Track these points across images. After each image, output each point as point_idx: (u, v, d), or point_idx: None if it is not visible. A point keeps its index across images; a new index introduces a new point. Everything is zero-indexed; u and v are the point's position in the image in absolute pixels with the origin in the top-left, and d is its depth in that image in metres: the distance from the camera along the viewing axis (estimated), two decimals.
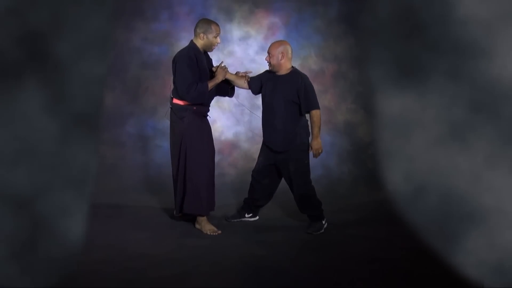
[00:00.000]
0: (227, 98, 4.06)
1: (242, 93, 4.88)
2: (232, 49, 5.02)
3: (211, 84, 3.55)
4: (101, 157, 4.54)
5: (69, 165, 1.63)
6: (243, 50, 5.03)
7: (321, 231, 3.59)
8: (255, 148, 4.15)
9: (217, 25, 3.62)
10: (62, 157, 1.62)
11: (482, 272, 1.73)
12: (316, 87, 5.04)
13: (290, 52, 3.61)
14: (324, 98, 4.96)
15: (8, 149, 1.56)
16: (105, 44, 1.58)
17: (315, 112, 3.56)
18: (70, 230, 1.65)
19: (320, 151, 3.58)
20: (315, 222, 3.63)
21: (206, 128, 3.67)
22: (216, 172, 3.83)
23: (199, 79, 3.52)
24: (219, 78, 3.58)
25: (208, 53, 3.72)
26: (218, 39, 3.62)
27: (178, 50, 3.69)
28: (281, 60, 3.57)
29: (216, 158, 3.91)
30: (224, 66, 3.64)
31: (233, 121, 5.02)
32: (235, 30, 5.02)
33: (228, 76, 3.68)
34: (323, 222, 3.64)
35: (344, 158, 4.88)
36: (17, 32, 1.50)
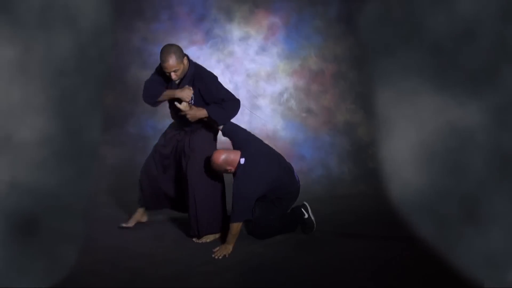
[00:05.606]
0: None
1: (242, 93, 4.88)
2: (232, 49, 5.02)
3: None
4: (101, 157, 4.53)
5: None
6: (243, 50, 5.03)
7: (314, 226, 3.50)
8: None
9: (162, 60, 3.29)
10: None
11: (482, 271, 1.73)
12: (316, 87, 5.08)
13: None
14: (324, 98, 4.96)
15: None
16: None
17: None
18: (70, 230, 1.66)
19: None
20: (302, 224, 3.53)
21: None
22: None
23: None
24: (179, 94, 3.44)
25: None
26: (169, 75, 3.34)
27: None
28: None
29: None
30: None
31: (233, 121, 5.02)
32: (235, 30, 5.02)
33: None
34: (305, 216, 3.50)
35: (344, 158, 4.87)
36: None
